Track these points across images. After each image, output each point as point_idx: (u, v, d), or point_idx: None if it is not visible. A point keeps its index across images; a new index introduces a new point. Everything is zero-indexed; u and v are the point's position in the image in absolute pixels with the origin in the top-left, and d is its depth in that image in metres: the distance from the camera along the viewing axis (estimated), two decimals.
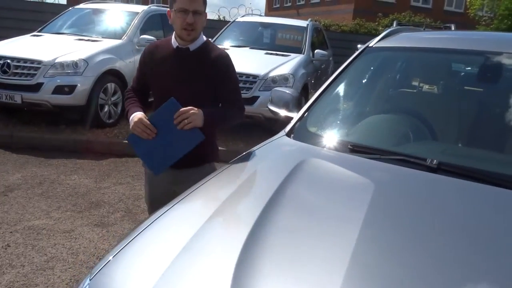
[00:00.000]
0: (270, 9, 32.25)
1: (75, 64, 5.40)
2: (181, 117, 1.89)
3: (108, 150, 5.28)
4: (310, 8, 26.30)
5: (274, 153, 1.84)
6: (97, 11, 7.04)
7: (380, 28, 14.54)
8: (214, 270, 1.09)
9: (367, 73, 2.37)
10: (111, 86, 5.86)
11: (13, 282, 2.60)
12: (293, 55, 6.69)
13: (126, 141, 2.05)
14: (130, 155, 5.08)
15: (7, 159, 4.74)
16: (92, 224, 3.43)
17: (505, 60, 2.02)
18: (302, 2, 28.24)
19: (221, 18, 15.26)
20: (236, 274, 1.04)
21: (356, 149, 1.71)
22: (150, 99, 2.20)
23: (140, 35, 6.41)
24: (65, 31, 6.63)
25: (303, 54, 6.92)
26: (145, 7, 7.04)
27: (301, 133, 1.95)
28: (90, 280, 1.17)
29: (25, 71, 5.32)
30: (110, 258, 1.20)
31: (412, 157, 1.60)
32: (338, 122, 2.11)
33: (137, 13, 6.76)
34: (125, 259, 1.20)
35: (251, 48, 6.98)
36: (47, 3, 13.15)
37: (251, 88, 5.81)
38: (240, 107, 2.17)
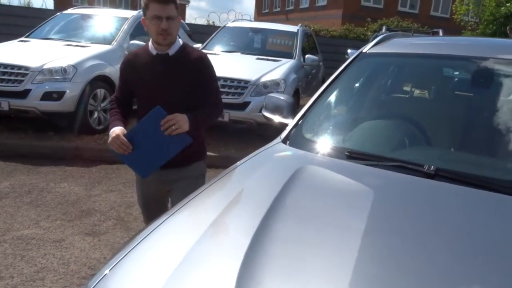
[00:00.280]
0: (259, 14, 32.36)
1: (63, 70, 5.33)
2: (168, 124, 1.95)
3: (98, 157, 5.21)
4: (299, 13, 26.44)
5: (271, 160, 1.83)
6: (85, 17, 6.98)
7: (369, 33, 14.66)
8: (215, 282, 1.06)
9: (362, 79, 2.37)
10: (100, 92, 5.80)
11: None
12: (284, 60, 6.70)
13: (111, 149, 2.07)
14: (121, 162, 5.00)
15: None
16: (83, 233, 3.37)
17: (498, 66, 2.03)
18: (291, 7, 28.39)
19: (211, 23, 15.28)
20: (238, 286, 1.01)
21: (353, 155, 1.70)
22: (135, 107, 2.28)
23: (130, 41, 6.36)
24: (53, 37, 6.55)
25: (294, 59, 6.94)
26: (134, 13, 7.00)
27: (297, 139, 1.94)
28: None
29: (12, 77, 5.24)
30: (107, 271, 1.16)
31: (409, 163, 1.59)
32: (334, 128, 2.11)
33: (127, 18, 6.72)
34: (122, 273, 1.16)
35: (242, 53, 6.97)
36: (34, 8, 13.03)
37: (243, 93, 5.80)
38: (221, 106, 2.24)
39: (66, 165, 4.94)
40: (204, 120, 2.13)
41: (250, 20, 11.23)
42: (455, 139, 1.97)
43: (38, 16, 8.86)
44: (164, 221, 1.38)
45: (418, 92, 2.42)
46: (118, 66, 4.37)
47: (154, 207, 2.31)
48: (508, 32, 11.38)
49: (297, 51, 7.17)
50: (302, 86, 6.92)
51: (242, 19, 9.97)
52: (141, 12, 2.16)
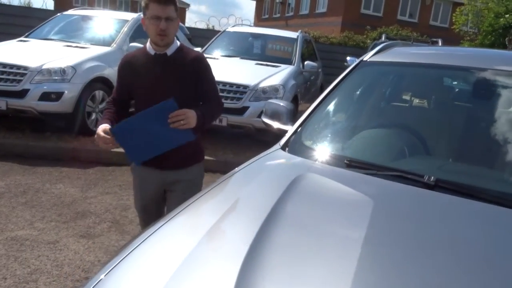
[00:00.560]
0: (259, 20, 32.44)
1: (62, 71, 5.32)
2: (177, 118, 1.95)
3: (95, 158, 5.18)
4: (298, 20, 26.52)
5: (270, 167, 1.82)
6: (86, 18, 6.97)
7: (368, 41, 14.72)
8: None
9: (362, 87, 2.37)
10: (99, 93, 5.79)
11: None
12: (283, 66, 6.71)
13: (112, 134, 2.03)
14: (117, 163, 5.00)
15: None
16: (77, 235, 3.34)
17: (498, 77, 2.03)
18: (291, 13, 28.48)
19: (211, 27, 15.31)
20: None
21: (352, 164, 1.69)
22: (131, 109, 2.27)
23: (130, 43, 6.35)
24: (52, 37, 6.54)
25: (293, 65, 6.94)
26: (135, 15, 7.00)
27: (296, 146, 1.93)
28: None
29: (10, 77, 5.22)
30: (102, 276, 1.14)
31: (409, 174, 1.59)
32: (334, 136, 2.10)
33: (127, 20, 6.72)
34: (118, 278, 1.14)
35: (242, 58, 6.98)
36: (35, 8, 13.02)
37: (241, 98, 5.80)
38: (221, 104, 2.27)
39: (62, 166, 4.92)
40: (210, 117, 2.15)
41: (250, 25, 11.26)
42: (455, 149, 1.97)
43: (38, 17, 8.87)
44: (161, 226, 1.36)
45: (418, 101, 2.42)
46: (117, 68, 4.33)
47: (152, 210, 2.30)
48: (507, 43, 11.44)
49: (297, 57, 7.18)
50: (301, 92, 6.93)
51: (242, 24, 9.98)
52: (141, 15, 2.16)
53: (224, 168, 1.81)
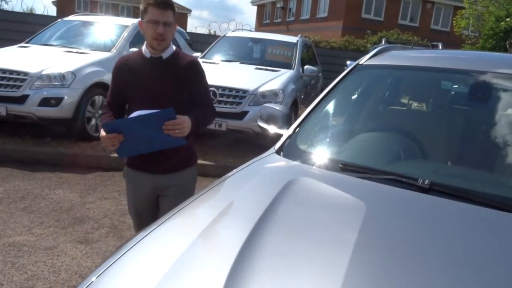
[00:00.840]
0: (260, 25, 32.55)
1: (62, 77, 5.33)
2: (173, 126, 1.96)
3: (94, 163, 5.19)
4: (299, 24, 26.60)
5: (263, 171, 1.81)
6: (86, 23, 7.00)
7: (369, 45, 14.73)
8: None
9: (358, 90, 2.36)
10: (98, 99, 5.80)
11: None
12: (283, 70, 6.71)
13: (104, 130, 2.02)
14: (117, 169, 4.99)
15: None
16: (75, 240, 3.33)
17: (496, 80, 2.02)
18: (292, 18, 28.57)
19: (212, 32, 15.35)
20: None
21: (347, 168, 1.68)
22: None
23: (130, 48, 6.37)
24: (53, 43, 6.56)
25: (293, 69, 6.94)
26: (135, 21, 7.02)
27: (291, 150, 1.92)
28: None
29: (10, 83, 5.23)
30: (93, 279, 1.16)
31: (403, 177, 1.57)
32: (329, 140, 2.09)
33: (127, 26, 6.74)
34: (109, 280, 1.15)
35: (241, 63, 6.98)
36: (37, 14, 13.09)
37: (241, 103, 5.79)
38: (214, 109, 2.28)
39: (62, 171, 4.92)
40: (203, 123, 2.17)
41: (250, 30, 11.28)
42: (451, 153, 1.96)
43: (40, 23, 8.90)
44: (152, 230, 1.37)
45: (414, 105, 2.40)
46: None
47: (146, 214, 2.29)
48: (507, 46, 11.43)
49: (296, 61, 7.19)
50: (301, 97, 6.93)
51: (242, 29, 10.00)
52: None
53: (223, 173, 1.81)
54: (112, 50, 6.30)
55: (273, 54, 7.70)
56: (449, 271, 1.11)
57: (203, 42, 10.11)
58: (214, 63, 6.98)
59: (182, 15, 33.87)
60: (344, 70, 2.46)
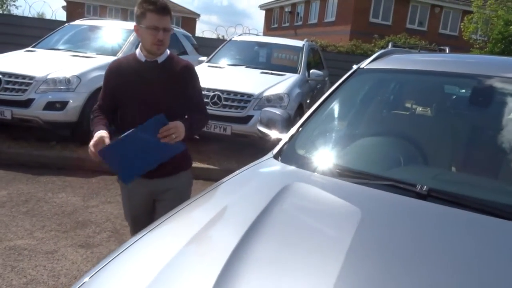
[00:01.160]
0: (268, 29, 32.59)
1: (67, 80, 5.35)
2: (168, 132, 1.94)
3: (98, 167, 5.17)
4: (307, 29, 26.58)
5: (259, 176, 1.78)
6: (93, 28, 7.03)
7: (376, 49, 14.66)
8: None
9: (358, 94, 2.33)
10: None
11: None
12: (288, 74, 6.68)
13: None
14: None
15: None
16: (76, 244, 3.32)
17: (499, 84, 1.97)
18: (300, 23, 28.57)
19: (220, 37, 15.39)
20: None
21: (344, 173, 1.65)
22: None
23: None
24: (59, 47, 6.60)
25: (299, 73, 6.91)
26: None
27: (289, 155, 1.89)
28: None
29: (16, 87, 5.27)
30: (86, 279, 1.18)
31: (401, 183, 1.53)
32: (327, 144, 2.05)
33: (133, 30, 6.76)
34: (101, 281, 1.17)
35: (247, 67, 6.97)
36: (46, 19, 13.23)
37: (246, 107, 5.77)
38: (207, 114, 2.30)
39: (66, 175, 4.93)
40: (196, 128, 2.17)
41: (257, 34, 11.28)
42: (452, 158, 1.91)
43: (49, 27, 8.97)
44: (146, 233, 1.38)
45: (416, 109, 2.36)
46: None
47: (142, 219, 2.27)
48: None
49: (302, 65, 7.15)
50: (306, 101, 6.89)
51: (249, 33, 10.00)
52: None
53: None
54: (118, 54, 6.31)
55: (279, 58, 7.68)
56: (445, 280, 1.07)
57: (210, 46, 10.10)
58: (219, 67, 6.97)
59: (190, 20, 34.03)
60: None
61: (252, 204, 1.45)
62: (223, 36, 17.23)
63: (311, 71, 7.21)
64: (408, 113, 2.34)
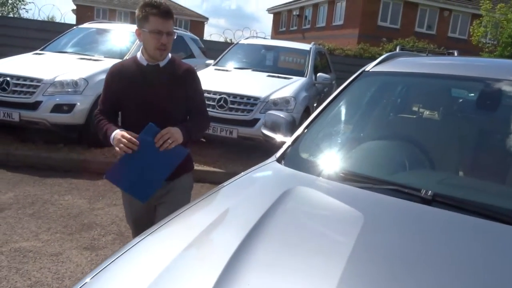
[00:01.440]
0: (276, 32, 32.62)
1: (75, 83, 5.38)
2: (163, 138, 1.93)
3: (105, 170, 5.17)
4: (315, 32, 26.56)
5: (261, 180, 1.76)
6: (100, 31, 7.08)
7: (384, 53, 14.60)
8: None
9: (363, 98, 2.30)
10: None
11: None
12: (295, 78, 6.67)
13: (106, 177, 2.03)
14: None
15: (1, 178, 4.68)
16: (81, 247, 3.32)
17: (507, 87, 1.94)
18: (307, 26, 28.56)
19: (228, 40, 15.42)
20: None
21: (347, 177, 1.63)
22: None
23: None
24: (67, 50, 6.65)
25: (306, 77, 6.89)
26: None
27: (292, 159, 1.87)
28: None
29: (24, 89, 5.31)
30: (87, 280, 1.18)
31: (406, 187, 1.51)
32: (331, 148, 2.03)
33: None
34: (103, 282, 1.17)
35: (253, 70, 6.97)
36: (56, 22, 13.35)
37: (252, 110, 5.76)
38: (208, 117, 2.28)
39: (72, 177, 4.95)
40: (196, 132, 2.15)
41: (265, 38, 11.28)
42: (459, 163, 1.88)
43: (58, 31, 9.05)
44: (147, 236, 1.38)
45: (423, 113, 2.33)
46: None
47: (143, 222, 2.26)
48: None
49: (309, 69, 7.14)
50: (313, 105, 6.86)
51: (257, 37, 10.00)
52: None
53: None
54: (125, 57, 6.35)
55: (285, 61, 7.67)
56: (449, 287, 1.05)
57: (218, 49, 10.13)
58: (226, 70, 6.98)
59: (199, 23, 34.16)
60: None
61: (254, 207, 1.43)
62: (230, 40, 17.26)
63: (318, 74, 7.19)
64: (413, 116, 2.31)
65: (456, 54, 8.56)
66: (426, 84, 2.16)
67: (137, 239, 1.37)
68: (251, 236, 1.24)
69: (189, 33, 9.17)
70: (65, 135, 5.75)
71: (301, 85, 6.48)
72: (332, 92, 9.16)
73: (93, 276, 1.19)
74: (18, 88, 5.31)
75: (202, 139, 6.17)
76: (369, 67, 2.28)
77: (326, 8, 26.41)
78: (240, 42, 8.22)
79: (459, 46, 17.04)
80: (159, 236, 1.38)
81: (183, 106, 2.15)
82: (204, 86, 2.40)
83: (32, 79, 5.32)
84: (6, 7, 27.77)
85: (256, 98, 5.81)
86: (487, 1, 14.19)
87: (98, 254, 3.24)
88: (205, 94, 2.46)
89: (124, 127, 2.11)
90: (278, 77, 6.62)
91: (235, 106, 5.78)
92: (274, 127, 2.26)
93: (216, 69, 7.02)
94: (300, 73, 7.00)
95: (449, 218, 1.37)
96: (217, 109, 5.70)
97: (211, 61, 7.62)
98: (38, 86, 5.28)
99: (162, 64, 2.12)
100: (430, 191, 1.46)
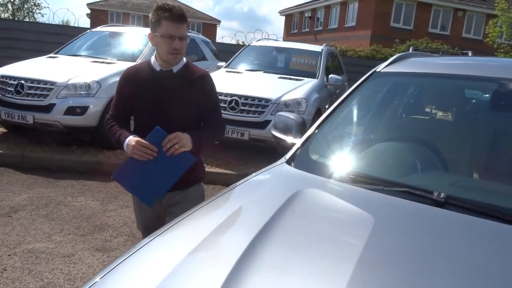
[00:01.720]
0: (288, 34, 32.60)
1: (87, 86, 5.44)
2: (171, 143, 1.89)
3: None
4: (327, 34, 26.47)
5: (271, 181, 1.75)
6: (113, 34, 7.15)
7: (397, 54, 14.48)
8: None
9: (374, 99, 2.27)
10: None
11: None
12: (306, 79, 6.65)
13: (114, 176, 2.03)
14: None
15: (16, 179, 4.75)
16: (93, 248, 3.35)
17: None
18: (320, 28, 28.48)
19: (240, 42, 15.46)
20: None
21: (357, 179, 1.60)
22: None
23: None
24: (81, 53, 6.73)
25: (317, 78, 6.86)
26: None
27: (302, 161, 1.85)
28: None
29: (38, 92, 5.39)
30: (97, 279, 1.20)
31: (417, 189, 1.48)
32: (342, 150, 2.01)
33: None
34: (113, 281, 1.18)
35: (265, 72, 6.96)
36: (70, 26, 13.55)
37: (263, 112, 5.75)
38: (222, 124, 2.21)
39: (85, 179, 5.00)
40: (207, 139, 2.08)
41: (276, 40, 11.27)
42: (472, 164, 1.84)
43: (73, 34, 9.17)
44: (156, 236, 1.39)
45: (435, 113, 2.29)
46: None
47: (154, 229, 2.24)
48: None
49: (320, 70, 7.10)
50: (325, 106, 6.82)
51: (268, 39, 10.00)
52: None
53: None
54: (137, 60, 6.39)
55: (297, 63, 7.64)
56: None
57: (229, 51, 10.16)
58: (238, 72, 6.99)
59: (211, 26, 34.31)
60: None
61: (263, 209, 1.42)
62: (242, 42, 17.31)
63: (330, 76, 7.15)
64: (425, 117, 2.27)
65: (470, 55, 8.45)
66: (439, 85, 2.12)
67: (146, 240, 1.38)
68: (259, 238, 1.22)
69: (200, 36, 9.21)
70: (78, 137, 5.81)
71: (313, 86, 6.45)
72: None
73: (103, 276, 1.20)
74: (32, 91, 5.39)
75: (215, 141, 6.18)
76: (380, 67, 2.25)
77: (339, 10, 26.32)
78: (251, 44, 8.23)
79: (474, 46, 16.82)
80: (168, 237, 1.38)
81: (196, 112, 2.09)
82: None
83: (45, 82, 5.39)
84: (22, 12, 28.29)
85: (267, 100, 5.80)
86: (503, 1, 13.98)
87: (110, 255, 3.26)
88: None
89: (136, 132, 2.06)
90: (290, 78, 6.60)
91: (246, 108, 5.78)
92: (283, 129, 2.25)
93: (227, 71, 7.04)
94: (312, 75, 6.97)
95: (462, 221, 1.34)
96: (228, 111, 5.70)
97: (222, 63, 7.64)
98: (52, 89, 5.35)
99: (175, 69, 2.06)
100: (442, 193, 1.43)
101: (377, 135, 2.13)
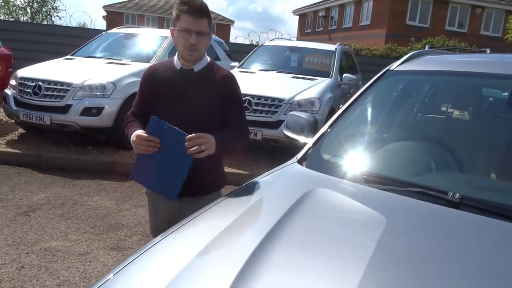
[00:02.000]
0: (302, 34, 32.50)
1: (103, 87, 5.51)
2: (197, 142, 1.75)
3: None
4: (342, 33, 26.31)
5: (282, 181, 1.74)
6: (128, 35, 7.22)
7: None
8: None
9: (387, 97, 2.24)
10: None
11: None
12: (320, 79, 6.61)
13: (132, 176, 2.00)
14: None
15: (34, 179, 4.83)
16: (108, 247, 3.38)
17: None
18: (334, 27, 28.32)
19: (254, 43, 15.47)
20: None
21: (370, 179, 1.58)
22: None
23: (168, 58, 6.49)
24: (96, 55, 6.82)
25: (331, 78, 6.82)
26: None
27: (313, 160, 1.83)
28: None
29: (55, 93, 5.48)
30: (110, 276, 1.21)
31: (431, 190, 1.45)
32: (354, 149, 1.98)
33: (167, 37, 6.89)
34: (125, 278, 1.19)
35: (278, 71, 6.95)
36: (87, 28, 13.75)
37: (276, 111, 5.74)
38: (246, 130, 2.07)
39: (101, 179, 5.06)
40: (232, 144, 1.95)
41: (290, 39, 11.24)
42: (488, 164, 1.80)
43: (89, 36, 9.29)
44: (168, 235, 1.40)
45: (450, 112, 2.25)
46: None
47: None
48: None
49: (334, 70, 7.06)
50: (339, 106, 6.78)
51: (282, 38, 9.98)
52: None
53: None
54: (151, 61, 6.45)
55: (310, 62, 7.61)
56: None
57: (243, 51, 10.17)
58: (251, 72, 6.99)
59: (225, 26, 34.46)
60: None
61: (273, 209, 1.41)
62: (256, 42, 17.30)
63: (344, 75, 7.10)
64: (440, 116, 2.24)
65: (488, 52, 8.30)
66: (455, 83, 2.07)
67: (158, 238, 1.39)
68: (269, 238, 1.22)
69: (214, 36, 9.24)
70: (94, 138, 5.89)
71: (326, 86, 6.41)
72: None
73: (116, 273, 1.22)
74: (49, 92, 5.49)
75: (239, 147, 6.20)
76: (394, 66, 2.22)
77: (353, 8, 26.13)
78: (264, 44, 8.22)
79: (492, 44, 16.51)
80: (180, 236, 1.39)
81: (218, 114, 1.99)
82: None
83: (62, 84, 5.48)
84: (41, 15, 28.81)
85: (280, 100, 5.79)
86: None
87: (124, 254, 3.29)
88: None
89: None
90: (303, 78, 6.57)
91: (260, 107, 5.77)
92: (295, 128, 2.23)
93: (240, 71, 7.04)
94: (325, 74, 6.93)
95: (478, 222, 1.31)
96: None
97: (235, 64, 7.65)
98: (68, 90, 5.43)
99: (196, 68, 1.98)
100: (457, 194, 1.40)
101: (390, 134, 2.10)
